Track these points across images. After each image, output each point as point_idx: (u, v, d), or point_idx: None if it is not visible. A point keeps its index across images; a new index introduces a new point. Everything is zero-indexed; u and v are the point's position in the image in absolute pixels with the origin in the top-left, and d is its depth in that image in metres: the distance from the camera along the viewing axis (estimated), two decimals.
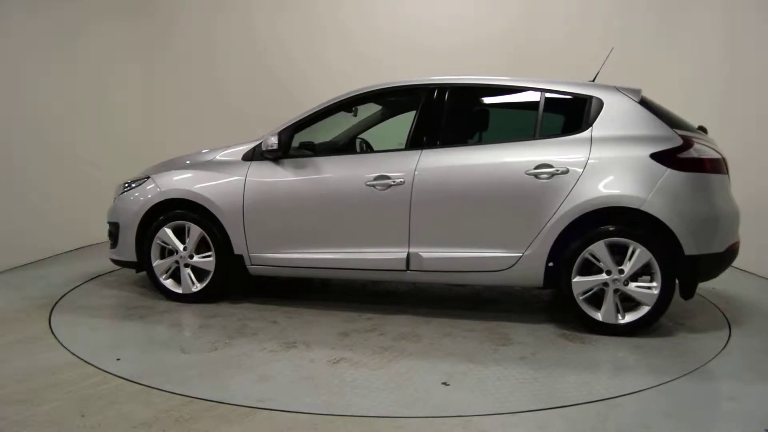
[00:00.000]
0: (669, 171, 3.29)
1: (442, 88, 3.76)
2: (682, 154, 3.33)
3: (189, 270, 4.01)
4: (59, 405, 2.44)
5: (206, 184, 3.95)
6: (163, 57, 7.17)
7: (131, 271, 4.53)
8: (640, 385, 2.70)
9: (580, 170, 3.39)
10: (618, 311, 3.38)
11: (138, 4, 6.93)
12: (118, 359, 3.02)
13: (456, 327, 3.54)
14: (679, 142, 3.35)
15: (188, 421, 2.30)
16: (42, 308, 3.83)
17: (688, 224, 3.27)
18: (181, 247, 3.98)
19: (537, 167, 3.43)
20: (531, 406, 2.52)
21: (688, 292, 3.48)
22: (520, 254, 3.48)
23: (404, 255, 3.62)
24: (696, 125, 3.75)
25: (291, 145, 3.84)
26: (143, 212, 4.04)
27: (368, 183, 3.63)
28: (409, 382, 2.76)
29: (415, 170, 3.58)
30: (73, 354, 3.03)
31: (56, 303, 3.98)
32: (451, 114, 3.75)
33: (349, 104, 3.95)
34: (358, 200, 3.66)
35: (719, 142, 3.69)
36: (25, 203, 5.22)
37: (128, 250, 4.12)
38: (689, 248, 3.28)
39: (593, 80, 3.77)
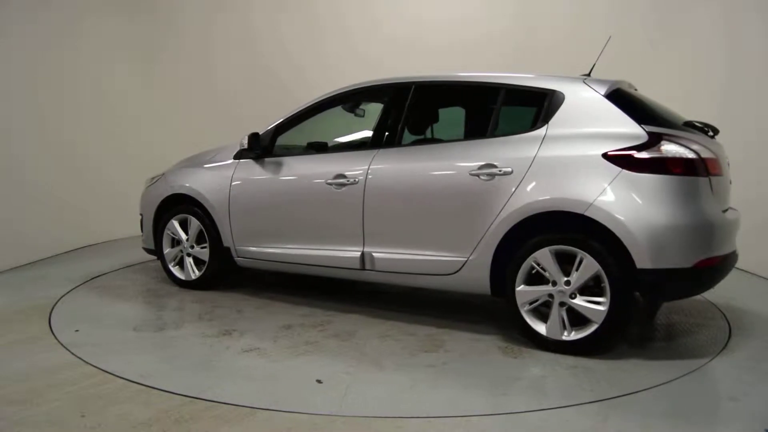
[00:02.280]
0: (622, 172, 2.92)
1: (404, 86, 3.73)
2: (639, 153, 2.93)
3: (190, 259, 4.36)
4: (59, 405, 2.44)
5: (202, 182, 4.29)
6: (163, 55, 7.18)
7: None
8: (640, 385, 2.69)
9: (525, 171, 3.13)
10: (564, 326, 3.06)
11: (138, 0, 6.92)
12: (77, 330, 3.44)
13: (400, 330, 3.47)
14: (643, 140, 2.96)
15: (188, 421, 2.30)
16: (42, 308, 3.83)
17: (642, 233, 2.85)
18: (184, 238, 4.36)
19: (481, 167, 3.24)
20: (379, 413, 2.41)
21: (648, 312, 3.19)
22: (465, 259, 3.30)
23: (359, 254, 3.64)
24: (701, 123, 3.42)
25: (262, 145, 4.04)
26: (156, 205, 4.49)
27: (328, 182, 3.70)
28: (289, 376, 2.82)
29: (368, 170, 3.58)
30: (73, 354, 3.02)
31: (56, 303, 3.98)
32: (410, 112, 3.66)
33: (327, 105, 4.00)
34: (320, 198, 3.76)
35: (719, 141, 3.59)
36: (25, 203, 5.23)
37: (149, 239, 4.59)
38: (642, 261, 2.86)
39: (589, 73, 3.54)
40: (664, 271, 2.88)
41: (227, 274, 4.44)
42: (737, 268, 4.56)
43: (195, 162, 4.52)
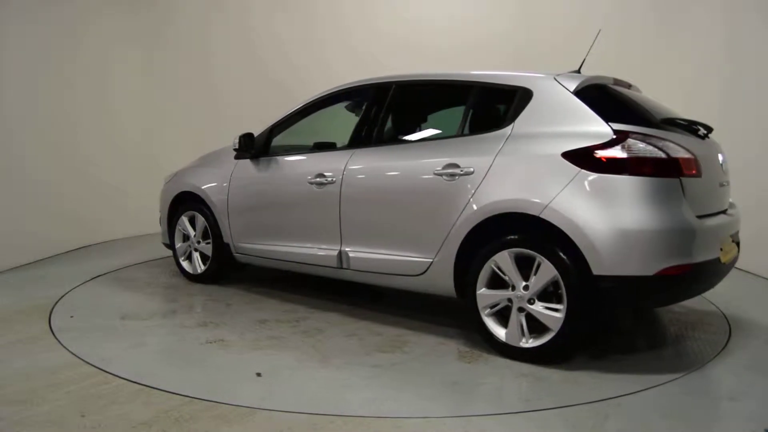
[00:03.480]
0: (581, 172, 2.77)
1: (382, 86, 3.74)
2: (599, 153, 2.77)
3: (197, 254, 4.58)
4: (59, 405, 2.44)
5: (206, 180, 4.48)
6: (162, 54, 7.16)
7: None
8: (640, 385, 2.69)
9: (486, 171, 3.04)
10: (523, 333, 2.94)
11: None
12: (72, 316, 3.71)
13: (370, 330, 3.47)
14: (607, 138, 2.80)
15: (188, 421, 2.30)
16: (42, 308, 3.83)
17: (598, 237, 2.68)
18: (192, 233, 4.58)
19: (444, 167, 3.18)
20: (293, 408, 2.43)
21: (610, 322, 3.05)
22: (431, 260, 3.25)
23: (336, 253, 3.68)
24: (690, 121, 3.27)
25: (257, 145, 4.16)
26: (169, 202, 4.75)
27: (310, 181, 3.77)
28: (234, 368, 2.92)
29: (344, 169, 3.61)
30: (73, 354, 3.02)
31: (56, 303, 3.98)
32: (385, 112, 3.68)
33: (319, 105, 4.07)
34: (303, 197, 3.83)
35: (718, 141, 3.54)
36: (25, 203, 5.23)
37: (165, 235, 4.87)
38: (598, 267, 2.70)
39: (578, 69, 3.46)
40: (622, 279, 2.69)
41: (233, 269, 4.62)
42: (737, 268, 4.56)
43: (204, 161, 4.70)
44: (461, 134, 3.30)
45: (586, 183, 2.76)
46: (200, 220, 4.51)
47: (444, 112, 3.92)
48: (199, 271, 4.57)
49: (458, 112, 3.39)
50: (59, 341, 3.23)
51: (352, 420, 2.34)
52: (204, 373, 2.88)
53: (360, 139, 3.70)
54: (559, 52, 6.20)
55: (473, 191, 3.06)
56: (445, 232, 3.16)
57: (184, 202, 4.64)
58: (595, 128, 2.86)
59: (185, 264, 4.68)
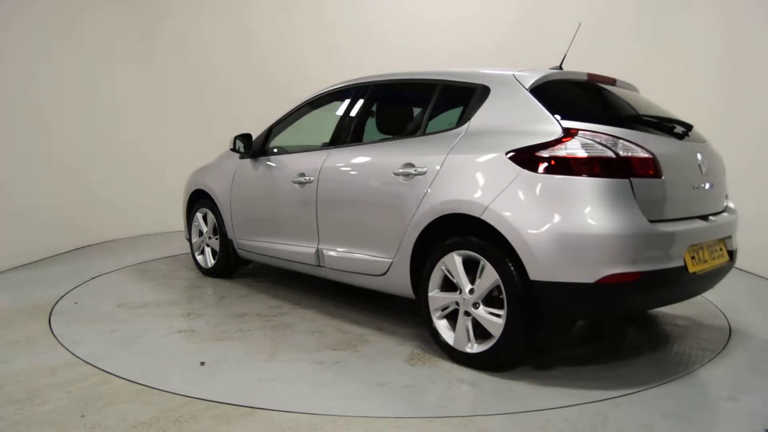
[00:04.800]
0: (522, 172, 2.65)
1: (360, 86, 3.80)
2: (542, 152, 2.64)
3: (209, 249, 4.78)
4: (59, 405, 2.44)
5: (214, 178, 4.68)
6: (160, 55, 7.15)
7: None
8: (640, 385, 2.69)
9: (437, 171, 2.98)
10: (468, 338, 2.86)
11: None
12: (76, 303, 3.99)
13: (338, 328, 3.50)
14: (552, 137, 2.66)
15: (188, 421, 2.30)
16: (42, 308, 3.83)
17: (536, 241, 2.56)
18: (204, 229, 4.80)
19: (402, 167, 3.15)
20: (221, 398, 2.51)
21: (552, 332, 2.81)
22: (391, 260, 3.23)
23: (314, 250, 3.74)
24: (664, 119, 3.09)
25: (256, 145, 4.28)
26: (186, 200, 5.00)
27: (293, 180, 3.84)
28: (183, 356, 3.04)
29: (320, 169, 3.67)
30: (73, 354, 3.02)
31: (56, 303, 3.98)
32: (360, 112, 3.72)
33: (311, 106, 4.17)
34: (287, 195, 3.91)
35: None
36: (24, 203, 5.23)
37: (186, 230, 5.11)
38: (535, 272, 2.58)
39: (560, 65, 3.34)
40: (561, 286, 2.55)
41: (242, 265, 4.77)
42: (737, 268, 4.55)
43: (218, 159, 4.84)
44: (422, 133, 3.27)
45: (526, 184, 2.64)
46: (210, 217, 4.70)
47: (410, 111, 3.92)
48: (209, 265, 4.78)
49: (422, 110, 3.39)
50: (59, 341, 3.22)
51: (353, 420, 2.34)
52: (152, 358, 3.01)
53: (337, 139, 3.76)
54: (558, 51, 6.25)
55: (425, 191, 3.01)
56: (402, 233, 3.14)
57: (199, 199, 4.86)
58: (545, 126, 2.73)
59: (199, 258, 4.89)
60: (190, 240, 5.03)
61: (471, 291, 2.84)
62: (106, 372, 2.79)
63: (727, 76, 5.44)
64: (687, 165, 2.91)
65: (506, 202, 2.66)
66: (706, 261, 2.87)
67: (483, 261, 2.77)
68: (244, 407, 2.43)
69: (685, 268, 2.70)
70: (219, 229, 4.61)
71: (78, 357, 2.98)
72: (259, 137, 4.31)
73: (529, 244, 2.57)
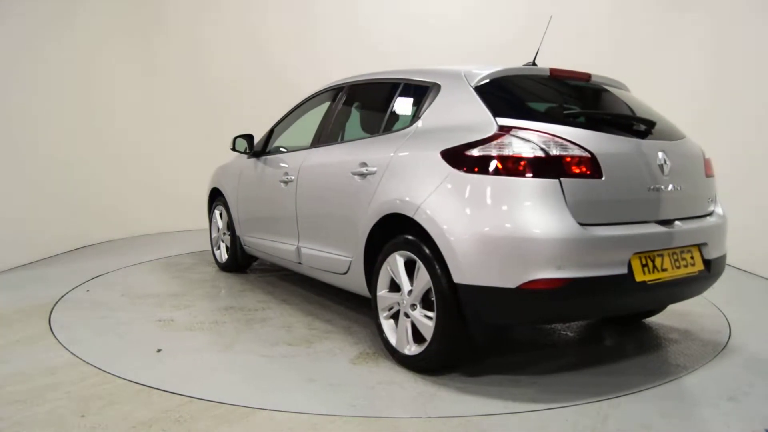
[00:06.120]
0: (451, 172, 2.59)
1: (339, 87, 3.87)
2: (471, 151, 2.57)
3: (224, 245, 4.99)
4: (59, 405, 2.44)
5: (226, 176, 4.91)
6: (158, 55, 7.16)
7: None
8: (640, 385, 2.69)
9: (384, 170, 2.98)
10: (407, 339, 2.81)
11: None
12: (88, 290, 4.29)
13: (308, 325, 3.56)
14: (484, 135, 2.58)
15: (188, 421, 2.30)
16: (42, 308, 3.83)
17: (458, 242, 2.49)
18: (220, 225, 5.06)
19: (358, 166, 3.17)
20: (161, 385, 2.61)
21: (481, 340, 2.71)
22: (351, 259, 3.23)
23: (295, 248, 3.83)
24: (617, 117, 2.98)
25: (258, 145, 4.45)
26: (208, 198, 5.26)
27: (279, 179, 3.95)
28: (149, 343, 3.19)
29: (299, 168, 3.77)
30: (73, 354, 3.02)
31: (56, 303, 3.98)
32: (338, 112, 3.80)
33: (304, 107, 4.26)
34: (275, 194, 4.03)
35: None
36: (24, 203, 5.22)
37: (209, 227, 5.32)
38: (458, 275, 2.51)
39: (533, 61, 3.27)
40: (482, 290, 2.46)
41: (252, 260, 4.95)
42: (737, 268, 4.54)
43: (234, 159, 4.94)
44: (381, 133, 3.27)
45: (454, 183, 2.57)
46: (225, 214, 4.93)
47: (377, 111, 3.91)
48: (223, 260, 5.02)
49: (384, 110, 3.40)
50: (59, 341, 3.23)
51: (353, 420, 2.34)
52: (119, 343, 3.22)
53: (316, 139, 3.83)
54: (558, 51, 6.25)
55: (374, 191, 3.01)
56: (356, 232, 3.15)
57: (217, 197, 5.08)
58: (483, 124, 2.64)
59: (217, 254, 5.14)
60: (210, 236, 5.29)
61: (410, 292, 2.80)
62: (106, 372, 2.79)
63: (718, 74, 5.44)
64: (642, 165, 2.69)
65: (436, 203, 2.60)
66: (665, 270, 2.67)
67: (418, 262, 2.72)
68: (244, 407, 2.43)
69: (630, 276, 2.53)
70: (229, 226, 4.83)
71: (78, 357, 2.98)
72: (262, 137, 4.44)
73: (453, 245, 2.50)
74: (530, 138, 2.51)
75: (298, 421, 2.32)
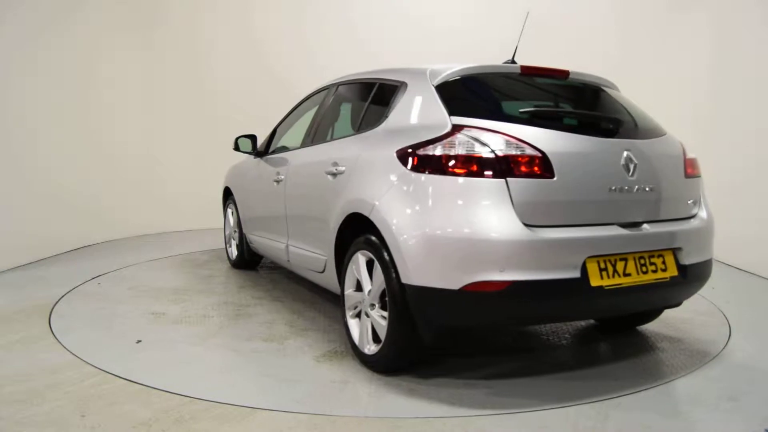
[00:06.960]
0: (403, 171, 2.58)
1: (327, 88, 3.92)
2: (420, 150, 2.55)
3: (235, 242, 5.10)
4: (59, 405, 2.44)
5: (235, 176, 5.05)
6: (159, 47, 7.15)
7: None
8: (640, 386, 2.69)
9: (351, 170, 2.99)
10: (367, 339, 2.81)
11: None
12: (99, 283, 4.45)
13: (289, 322, 3.60)
14: (438, 134, 2.55)
15: (188, 421, 2.30)
16: (42, 308, 3.83)
17: (405, 242, 2.47)
18: (231, 224, 5.18)
19: (331, 165, 3.18)
20: (134, 377, 2.70)
21: (428, 340, 2.62)
22: (326, 258, 3.25)
23: (284, 246, 3.91)
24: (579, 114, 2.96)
25: (261, 146, 4.50)
26: (222, 196, 5.38)
27: (273, 179, 4.02)
28: (132, 334, 3.30)
29: (288, 168, 3.85)
30: (73, 354, 3.02)
31: (56, 303, 3.98)
32: (324, 112, 3.83)
33: (301, 107, 4.31)
34: (269, 193, 4.10)
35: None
36: (25, 203, 5.22)
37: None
38: (405, 275, 2.49)
39: (512, 58, 3.24)
40: (426, 291, 2.43)
41: (258, 257, 5.04)
42: (737, 268, 4.54)
43: (245, 159, 4.97)
44: (355, 132, 3.27)
45: (405, 183, 2.56)
46: (235, 212, 5.04)
47: (355, 111, 3.90)
48: (233, 257, 5.15)
49: (360, 110, 3.41)
50: (59, 341, 3.23)
51: (353, 420, 2.34)
52: (104, 333, 3.35)
53: (305, 139, 3.90)
54: (558, 51, 6.25)
55: (342, 190, 3.02)
56: (329, 231, 3.15)
57: (229, 196, 5.20)
58: (439, 124, 2.61)
59: (228, 251, 5.29)
60: (224, 233, 5.43)
61: (369, 292, 2.79)
62: (106, 372, 2.79)
63: (718, 74, 5.44)
64: (601, 164, 2.58)
65: (388, 202, 2.60)
66: (628, 275, 2.54)
67: (375, 262, 2.71)
68: (244, 407, 2.43)
69: (583, 280, 2.43)
70: (238, 224, 4.94)
71: (78, 357, 2.98)
72: (266, 137, 4.52)
73: (401, 246, 2.49)
74: (479, 137, 2.47)
75: (298, 420, 2.32)
